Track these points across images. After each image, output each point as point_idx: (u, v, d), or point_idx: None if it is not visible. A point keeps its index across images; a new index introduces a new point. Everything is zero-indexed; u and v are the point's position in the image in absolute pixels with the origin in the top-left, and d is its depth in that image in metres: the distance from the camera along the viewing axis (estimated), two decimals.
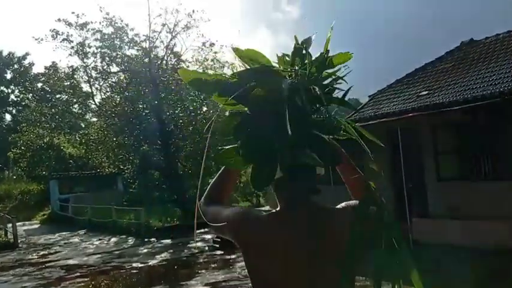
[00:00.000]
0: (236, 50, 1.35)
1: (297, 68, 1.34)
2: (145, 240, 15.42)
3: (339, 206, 1.38)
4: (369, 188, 1.35)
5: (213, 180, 1.52)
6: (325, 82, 1.36)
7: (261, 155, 1.25)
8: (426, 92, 12.24)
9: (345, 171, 1.45)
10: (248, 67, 1.35)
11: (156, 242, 14.97)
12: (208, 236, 14.66)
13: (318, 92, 1.27)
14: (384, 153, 11.40)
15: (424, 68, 14.12)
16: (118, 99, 23.01)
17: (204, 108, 22.33)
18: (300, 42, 1.35)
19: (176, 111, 21.93)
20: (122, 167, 23.86)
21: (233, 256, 11.18)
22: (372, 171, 1.44)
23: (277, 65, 1.36)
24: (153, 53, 21.78)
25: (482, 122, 7.84)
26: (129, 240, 15.81)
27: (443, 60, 13.84)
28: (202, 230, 16.56)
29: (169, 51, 22.15)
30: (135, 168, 23.25)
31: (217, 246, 12.35)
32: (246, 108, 1.31)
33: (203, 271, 9.85)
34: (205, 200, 1.49)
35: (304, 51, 1.33)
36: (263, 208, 17.73)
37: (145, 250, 13.56)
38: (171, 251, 13.01)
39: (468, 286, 7.05)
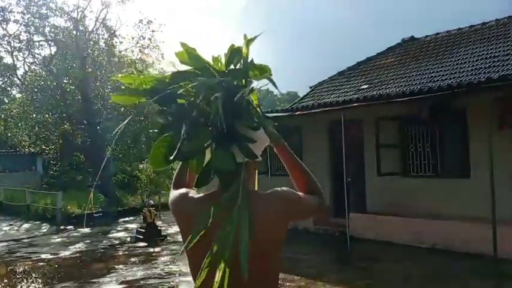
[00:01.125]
0: (178, 54, 1.44)
1: (230, 70, 1.43)
2: (61, 227, 14.03)
3: (269, 195, 1.43)
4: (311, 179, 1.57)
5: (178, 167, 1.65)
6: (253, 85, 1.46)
7: (188, 153, 1.36)
8: (367, 86, 12.01)
9: (282, 156, 1.58)
10: (187, 67, 1.45)
11: (72, 231, 13.64)
12: (133, 226, 13.59)
13: (246, 92, 1.37)
14: (324, 146, 11.00)
15: (366, 62, 14.03)
16: (43, 73, 20.98)
17: None
18: (237, 47, 1.42)
19: (107, 90, 20.33)
20: (43, 146, 21.90)
21: (157, 249, 10.25)
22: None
23: (212, 64, 1.44)
24: (82, 23, 19.96)
25: (426, 116, 7.55)
26: (43, 228, 14.33)
27: (385, 56, 13.80)
28: (126, 219, 15.43)
29: (99, 24, 20.42)
30: (58, 148, 21.41)
31: (141, 237, 11.32)
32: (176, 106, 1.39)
33: (121, 266, 8.83)
34: (172, 186, 1.64)
35: (239, 55, 1.42)
36: None
37: (58, 239, 12.23)
38: (88, 241, 11.78)
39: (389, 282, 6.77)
